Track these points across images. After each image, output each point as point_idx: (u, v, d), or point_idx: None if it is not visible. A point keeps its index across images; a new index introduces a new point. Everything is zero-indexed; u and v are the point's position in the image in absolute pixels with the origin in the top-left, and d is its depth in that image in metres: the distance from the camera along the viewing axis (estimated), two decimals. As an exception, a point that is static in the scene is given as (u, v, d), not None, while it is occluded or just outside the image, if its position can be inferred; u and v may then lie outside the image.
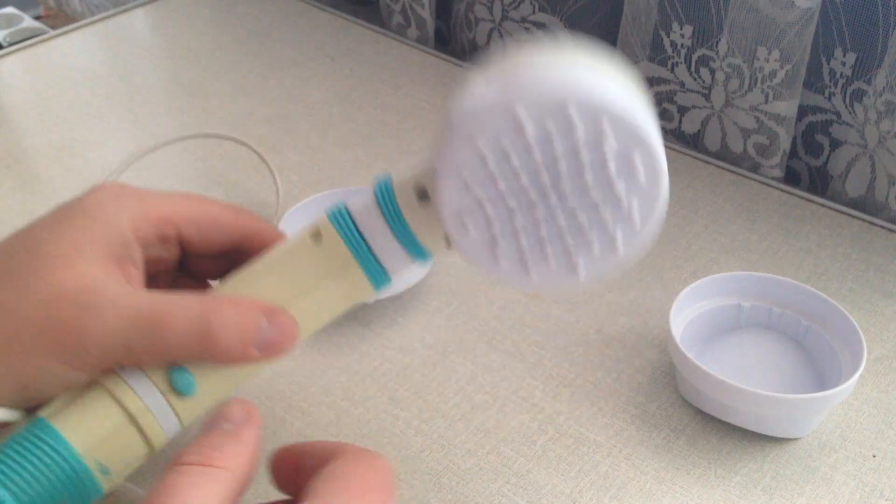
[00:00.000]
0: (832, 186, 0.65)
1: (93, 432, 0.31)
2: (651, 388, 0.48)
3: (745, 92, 0.64)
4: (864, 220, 0.60)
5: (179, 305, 0.32)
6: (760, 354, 0.48)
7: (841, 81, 0.61)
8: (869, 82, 0.59)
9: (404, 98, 0.74)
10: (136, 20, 0.88)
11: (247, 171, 0.65)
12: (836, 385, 0.42)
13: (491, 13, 0.78)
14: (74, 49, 0.83)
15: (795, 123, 0.64)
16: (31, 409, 0.32)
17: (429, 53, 0.80)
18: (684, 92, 0.68)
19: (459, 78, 0.32)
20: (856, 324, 0.45)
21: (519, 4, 0.75)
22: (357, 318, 0.52)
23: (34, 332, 0.31)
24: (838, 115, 0.62)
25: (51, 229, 0.33)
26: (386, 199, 0.33)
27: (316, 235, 0.34)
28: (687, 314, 0.48)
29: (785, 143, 0.64)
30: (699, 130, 0.69)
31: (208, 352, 0.32)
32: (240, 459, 0.29)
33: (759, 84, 0.63)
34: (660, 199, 0.31)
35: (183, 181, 0.65)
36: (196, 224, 0.37)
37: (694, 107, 0.68)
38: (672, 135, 0.71)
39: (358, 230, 0.34)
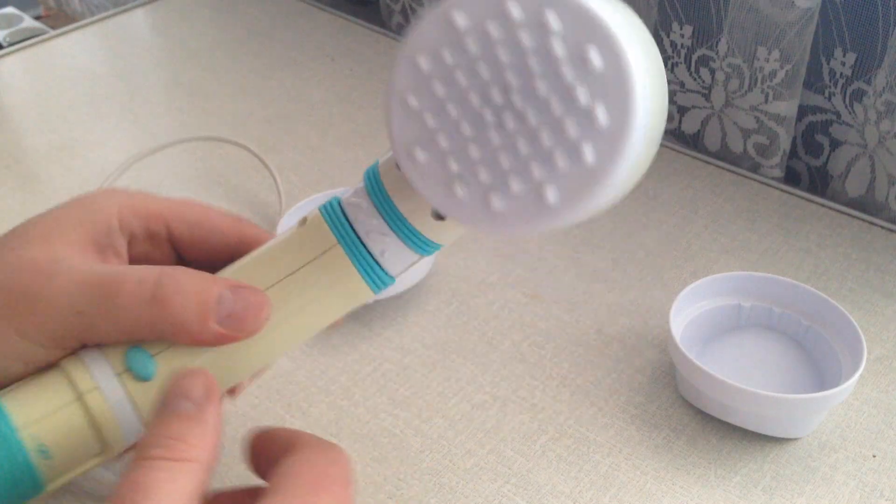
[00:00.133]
0: (832, 186, 0.65)
1: (35, 406, 0.30)
2: (651, 388, 0.48)
3: (745, 92, 0.64)
4: (864, 220, 0.60)
5: (135, 270, 0.31)
6: (760, 354, 0.48)
7: (841, 81, 0.61)
8: (869, 82, 0.59)
9: (404, 98, 0.74)
10: (136, 20, 0.88)
11: (247, 172, 0.65)
12: (836, 385, 0.42)
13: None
14: (74, 49, 0.83)
15: (795, 123, 0.64)
16: None
17: (429, 53, 0.80)
18: (684, 92, 0.68)
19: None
20: (856, 324, 0.45)
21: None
22: (357, 318, 0.52)
23: None
24: (838, 115, 0.62)
25: (42, 215, 0.33)
26: (370, 176, 0.32)
27: (302, 221, 0.33)
28: (687, 314, 0.48)
29: (785, 143, 0.64)
30: (699, 130, 0.69)
31: (160, 319, 0.30)
32: (207, 446, 0.28)
33: (759, 84, 0.63)
34: (630, 99, 0.26)
35: (183, 182, 0.65)
36: (187, 224, 0.36)
37: (694, 107, 0.68)
38: (672, 135, 0.71)
39: (344, 214, 0.32)
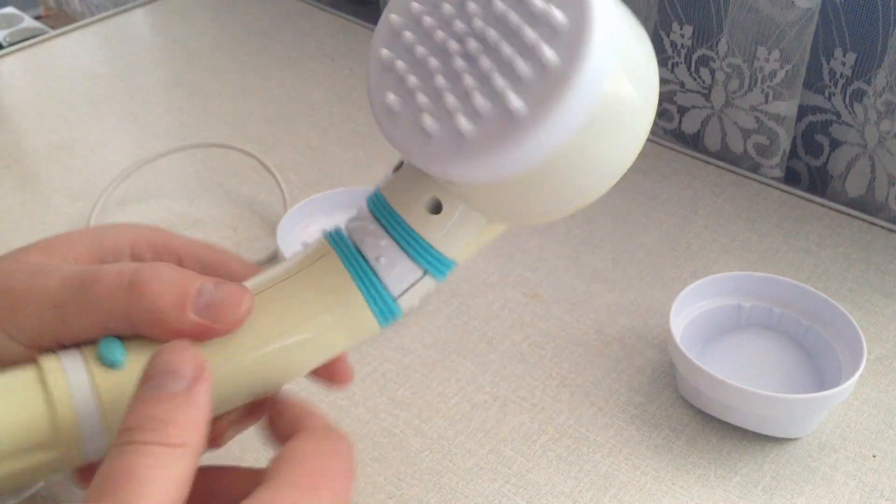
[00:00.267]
0: (832, 186, 0.65)
1: None
2: (651, 388, 0.48)
3: (745, 92, 0.64)
4: (864, 220, 0.60)
5: (118, 264, 0.30)
6: (760, 354, 0.48)
7: (841, 81, 0.61)
8: (869, 82, 0.59)
9: (404, 98, 0.74)
10: (136, 20, 0.88)
11: (247, 174, 0.65)
12: (836, 385, 0.42)
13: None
14: (74, 49, 0.83)
15: (795, 123, 0.64)
16: None
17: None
18: (684, 92, 0.68)
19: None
20: (856, 324, 0.45)
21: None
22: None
23: None
24: (838, 115, 0.63)
25: (58, 234, 0.34)
26: (372, 197, 0.32)
27: (306, 245, 0.32)
28: (687, 314, 0.48)
29: (785, 143, 0.64)
30: (699, 130, 0.69)
31: (136, 307, 0.29)
32: (196, 429, 0.26)
33: (759, 84, 0.63)
34: None
35: (184, 185, 0.65)
36: (200, 265, 0.35)
37: (694, 107, 0.68)
38: (672, 135, 0.71)
39: (348, 238, 0.32)
